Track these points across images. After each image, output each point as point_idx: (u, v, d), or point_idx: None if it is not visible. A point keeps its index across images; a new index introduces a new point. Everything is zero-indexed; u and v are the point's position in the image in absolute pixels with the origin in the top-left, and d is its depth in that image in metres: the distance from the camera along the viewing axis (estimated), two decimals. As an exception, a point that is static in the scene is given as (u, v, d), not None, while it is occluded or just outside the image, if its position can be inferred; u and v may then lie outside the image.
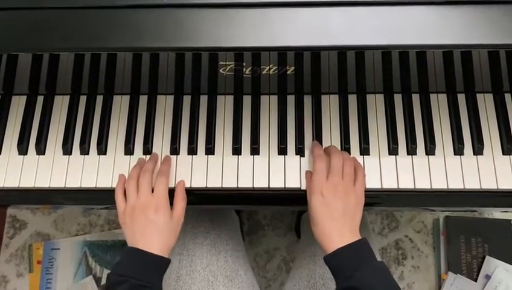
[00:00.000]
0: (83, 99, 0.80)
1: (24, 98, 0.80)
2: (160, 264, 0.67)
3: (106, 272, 1.29)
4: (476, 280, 1.21)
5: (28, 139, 0.77)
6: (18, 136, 0.77)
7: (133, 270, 0.65)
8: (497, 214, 1.28)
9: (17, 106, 0.80)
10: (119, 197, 0.71)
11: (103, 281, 1.28)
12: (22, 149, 0.76)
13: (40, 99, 0.80)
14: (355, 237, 0.65)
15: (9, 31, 0.63)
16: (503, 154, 0.74)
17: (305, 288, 0.80)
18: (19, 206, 1.20)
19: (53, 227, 1.35)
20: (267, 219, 1.34)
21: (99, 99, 0.79)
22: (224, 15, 0.62)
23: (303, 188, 0.73)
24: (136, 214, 0.68)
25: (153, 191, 0.70)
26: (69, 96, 0.80)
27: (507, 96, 0.77)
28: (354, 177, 0.69)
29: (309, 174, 0.72)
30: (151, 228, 0.67)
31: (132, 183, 0.70)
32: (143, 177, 0.70)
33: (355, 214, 0.68)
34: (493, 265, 1.20)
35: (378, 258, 0.69)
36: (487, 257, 1.22)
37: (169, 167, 0.74)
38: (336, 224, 0.65)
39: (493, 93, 0.77)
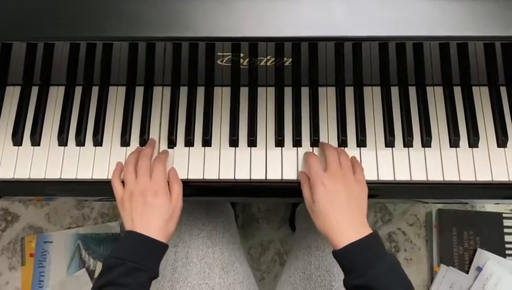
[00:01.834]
0: (78, 90, 0.79)
1: (18, 88, 0.79)
2: (158, 248, 0.66)
3: (99, 265, 1.29)
4: (467, 272, 1.22)
5: (22, 130, 0.76)
6: (12, 127, 0.76)
7: (130, 253, 0.64)
8: (489, 207, 1.29)
9: (12, 96, 0.78)
10: (115, 183, 0.70)
11: (96, 274, 1.27)
12: (17, 140, 0.75)
13: (35, 90, 0.79)
14: (366, 229, 0.64)
15: (2, 20, 0.62)
16: (498, 146, 0.74)
17: (300, 279, 0.81)
18: (12, 198, 1.18)
19: (46, 220, 1.33)
20: (261, 212, 1.35)
21: (95, 90, 0.78)
22: (221, 4, 0.61)
23: (300, 179, 0.73)
24: (134, 199, 0.67)
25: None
26: (64, 87, 0.79)
27: (502, 89, 0.77)
28: (352, 169, 0.69)
29: (304, 175, 0.71)
30: (149, 212, 0.66)
31: (130, 168, 0.69)
32: (141, 162, 0.70)
33: (361, 203, 0.67)
34: (484, 257, 1.22)
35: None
36: (479, 250, 1.23)
37: (167, 155, 0.74)
38: (343, 214, 0.64)
39: (489, 86, 0.77)
